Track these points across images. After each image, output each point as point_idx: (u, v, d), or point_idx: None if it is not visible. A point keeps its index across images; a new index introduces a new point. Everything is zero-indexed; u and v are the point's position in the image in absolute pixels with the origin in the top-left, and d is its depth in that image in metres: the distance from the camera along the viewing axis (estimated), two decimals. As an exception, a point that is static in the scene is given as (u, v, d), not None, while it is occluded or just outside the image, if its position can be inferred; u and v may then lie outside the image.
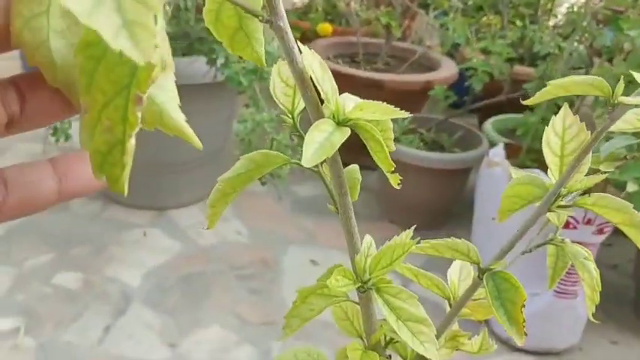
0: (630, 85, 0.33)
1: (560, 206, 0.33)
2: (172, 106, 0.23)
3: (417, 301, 0.33)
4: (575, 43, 1.80)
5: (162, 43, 0.21)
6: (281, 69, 0.33)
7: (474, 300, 0.38)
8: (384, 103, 0.29)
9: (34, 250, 1.70)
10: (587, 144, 0.31)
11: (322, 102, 0.31)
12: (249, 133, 1.33)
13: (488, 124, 1.89)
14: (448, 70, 2.26)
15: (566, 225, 1.31)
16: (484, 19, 2.37)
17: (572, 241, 0.37)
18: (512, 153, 1.61)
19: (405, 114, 0.28)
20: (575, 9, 1.92)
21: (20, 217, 0.26)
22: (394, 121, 1.65)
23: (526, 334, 0.33)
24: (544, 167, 0.36)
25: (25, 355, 1.38)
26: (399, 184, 0.32)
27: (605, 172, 0.34)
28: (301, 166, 0.31)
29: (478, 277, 0.36)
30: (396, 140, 1.87)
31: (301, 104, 0.34)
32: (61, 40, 0.24)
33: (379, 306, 0.34)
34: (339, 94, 0.31)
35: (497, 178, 1.51)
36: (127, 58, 0.21)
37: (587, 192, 0.34)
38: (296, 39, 0.29)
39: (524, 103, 0.33)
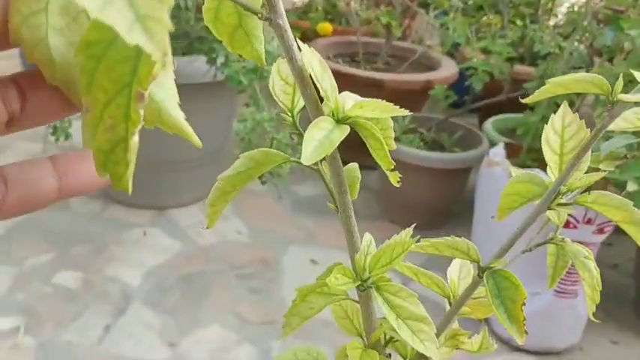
0: (630, 85, 0.33)
1: (560, 204, 0.33)
2: (172, 104, 0.23)
3: (416, 300, 0.33)
4: (576, 43, 1.80)
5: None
6: (280, 67, 0.33)
7: (474, 298, 0.38)
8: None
9: (34, 250, 1.70)
10: (586, 142, 0.31)
11: (322, 100, 0.31)
12: (249, 133, 1.33)
13: (489, 124, 1.89)
14: (448, 69, 2.26)
15: (567, 224, 1.31)
16: (484, 18, 2.37)
17: (573, 241, 0.37)
18: (512, 152, 1.61)
19: (405, 112, 0.28)
20: (576, 8, 1.92)
21: (20, 214, 0.26)
22: (394, 120, 1.65)
23: (526, 333, 0.33)
24: (544, 167, 0.36)
25: (25, 355, 1.38)
26: (398, 182, 0.32)
27: (605, 171, 0.34)
28: (301, 164, 0.31)
29: (478, 275, 0.35)
30: (396, 140, 1.85)
31: (301, 102, 0.34)
32: (60, 38, 0.24)
33: (379, 304, 0.34)
34: (340, 94, 0.31)
35: (498, 177, 1.51)
36: (127, 57, 0.21)
37: (587, 190, 0.34)
38: (296, 38, 0.29)
39: (524, 101, 0.33)
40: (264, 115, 1.34)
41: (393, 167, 0.31)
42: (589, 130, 0.33)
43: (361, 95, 0.31)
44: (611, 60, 1.69)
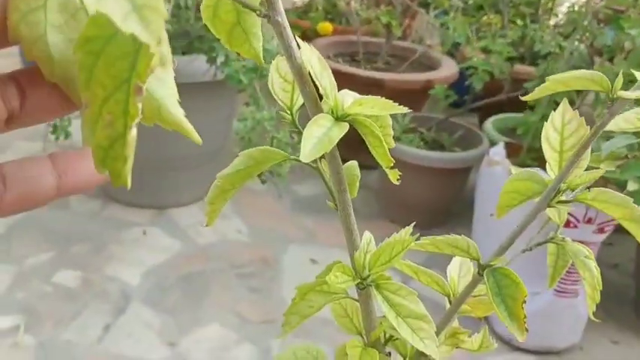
0: (631, 85, 0.33)
1: (560, 201, 0.33)
2: (171, 101, 0.23)
3: (416, 298, 0.33)
4: (576, 42, 1.80)
5: (162, 41, 0.21)
6: (279, 64, 0.33)
7: (474, 297, 0.38)
8: (383, 101, 0.29)
9: (34, 249, 1.70)
10: (586, 139, 0.31)
11: (321, 98, 0.30)
12: (250, 132, 1.33)
13: (489, 123, 1.89)
14: (448, 69, 2.26)
15: (567, 224, 1.31)
16: (484, 18, 2.37)
17: (573, 240, 0.37)
18: (512, 152, 1.61)
19: (404, 109, 0.28)
20: (576, 8, 1.92)
21: (19, 212, 0.26)
22: (395, 120, 1.64)
23: (527, 331, 0.33)
24: (545, 166, 0.36)
25: (24, 354, 1.38)
26: (397, 179, 0.32)
27: (605, 169, 0.34)
28: (300, 162, 0.31)
29: (478, 273, 0.35)
30: (397, 139, 1.86)
31: (300, 100, 0.33)
32: (59, 35, 0.24)
33: (378, 302, 0.34)
34: (339, 92, 0.31)
35: (498, 177, 1.51)
36: (126, 52, 0.21)
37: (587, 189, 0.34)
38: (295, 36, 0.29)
39: (524, 98, 0.33)
40: (265, 114, 1.34)
41: (392, 165, 0.30)
42: (589, 127, 0.32)
43: (361, 95, 0.31)
44: (611, 59, 1.69)
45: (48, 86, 0.25)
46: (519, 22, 2.34)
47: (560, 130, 0.33)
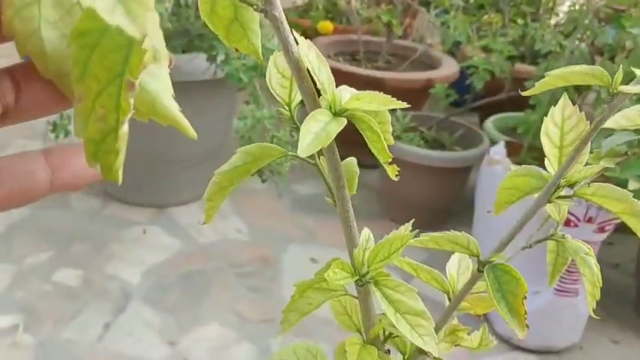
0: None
1: (559, 197, 0.33)
2: (166, 95, 0.23)
3: (415, 294, 0.33)
4: (577, 42, 1.80)
5: (155, 34, 0.21)
6: (277, 60, 0.33)
7: (473, 293, 0.38)
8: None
9: (34, 247, 1.70)
10: (586, 134, 0.31)
11: (319, 93, 0.30)
12: (250, 130, 1.32)
13: (489, 123, 1.89)
14: (449, 68, 2.26)
15: (567, 223, 1.31)
16: (485, 17, 2.36)
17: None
18: (513, 151, 1.61)
19: (402, 104, 0.28)
20: (577, 7, 1.92)
21: (12, 207, 0.26)
22: (395, 119, 1.64)
23: (527, 327, 0.32)
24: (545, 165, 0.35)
25: (24, 353, 1.38)
26: (396, 175, 0.32)
27: (605, 165, 0.34)
28: (298, 157, 0.31)
29: (478, 270, 0.35)
30: (397, 138, 1.87)
31: (298, 96, 0.33)
32: (53, 31, 0.24)
33: (377, 299, 0.34)
34: (337, 88, 0.31)
35: (498, 176, 1.51)
36: (120, 45, 0.21)
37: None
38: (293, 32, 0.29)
39: (524, 94, 0.33)
40: (265, 112, 1.34)
41: (390, 160, 0.30)
42: (589, 122, 0.32)
43: (362, 94, 0.31)
44: (612, 58, 1.68)
45: (43, 81, 0.25)
46: (520, 21, 2.34)
47: (560, 125, 0.33)
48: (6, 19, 0.24)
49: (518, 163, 1.60)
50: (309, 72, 0.29)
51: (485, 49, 2.08)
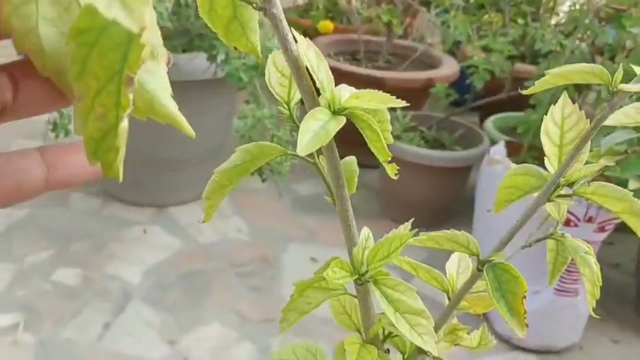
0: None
1: (559, 195, 0.32)
2: (164, 94, 0.23)
3: (415, 294, 0.33)
4: (577, 41, 1.79)
5: (152, 31, 0.21)
6: (276, 58, 0.33)
7: (473, 293, 0.38)
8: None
9: (34, 247, 1.70)
10: (586, 133, 0.31)
11: (318, 92, 0.30)
12: (250, 130, 1.32)
13: (490, 122, 1.88)
14: (449, 67, 2.26)
15: (567, 222, 1.31)
16: (485, 16, 2.36)
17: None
18: (513, 151, 1.61)
19: (401, 102, 0.28)
20: (578, 6, 1.92)
21: (7, 205, 0.26)
22: (395, 118, 1.63)
23: (527, 326, 0.32)
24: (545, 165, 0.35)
25: (24, 352, 1.38)
26: (396, 174, 0.32)
27: (604, 163, 0.34)
28: (297, 156, 0.31)
29: (477, 269, 0.35)
30: (397, 138, 1.87)
31: (297, 95, 0.33)
32: (51, 29, 0.24)
33: (377, 298, 0.34)
34: (336, 86, 0.31)
35: (498, 175, 1.51)
36: (119, 43, 0.21)
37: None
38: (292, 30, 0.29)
39: (523, 92, 0.33)
40: (265, 112, 1.34)
41: (390, 159, 0.30)
42: (589, 121, 0.32)
43: (362, 94, 0.31)
44: (612, 58, 1.68)
45: (41, 79, 0.25)
46: (520, 20, 2.34)
47: (559, 123, 0.33)
48: (3, 16, 0.24)
49: (519, 163, 1.60)
50: (308, 70, 0.29)
51: (486, 49, 2.08)
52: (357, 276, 0.34)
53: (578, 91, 1.67)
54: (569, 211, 0.35)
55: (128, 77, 0.20)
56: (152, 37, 0.20)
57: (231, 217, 1.90)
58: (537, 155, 1.64)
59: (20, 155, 0.26)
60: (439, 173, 1.85)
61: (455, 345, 0.41)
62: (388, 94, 0.29)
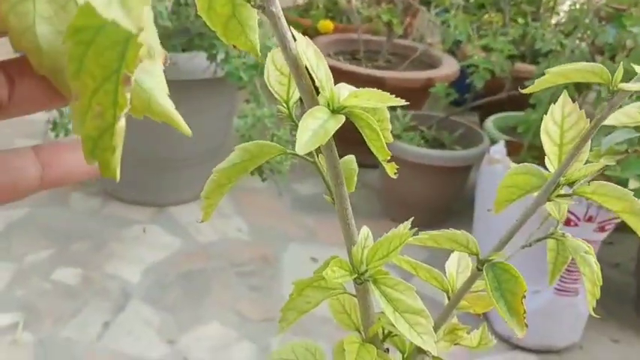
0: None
1: (559, 195, 0.32)
2: (160, 93, 0.23)
3: (414, 293, 0.33)
4: (577, 41, 1.79)
5: (149, 30, 0.20)
6: (275, 57, 0.33)
7: (473, 292, 0.37)
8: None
9: (33, 246, 1.70)
10: (586, 132, 0.31)
11: (317, 91, 0.30)
12: (250, 129, 1.32)
13: (490, 122, 1.88)
14: (449, 67, 2.26)
15: (567, 222, 1.31)
16: (486, 16, 2.36)
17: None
18: (513, 150, 1.61)
19: (400, 101, 0.28)
20: (578, 6, 1.92)
21: (2, 203, 0.26)
22: (395, 118, 1.63)
23: (526, 326, 0.32)
24: (546, 165, 0.35)
25: (23, 351, 1.38)
26: (395, 173, 0.32)
27: (605, 163, 0.33)
28: (297, 155, 0.30)
29: (477, 268, 0.35)
30: (397, 137, 1.86)
31: (297, 94, 0.33)
32: (48, 27, 0.24)
33: (376, 297, 0.34)
34: (336, 85, 0.30)
35: (499, 175, 1.50)
36: (116, 42, 0.21)
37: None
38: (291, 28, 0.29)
39: (523, 91, 0.32)
40: (265, 111, 1.34)
41: (389, 158, 0.30)
42: (589, 120, 0.32)
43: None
44: (613, 58, 1.68)
45: (37, 77, 0.25)
46: (520, 20, 2.34)
47: (559, 123, 0.33)
48: (1, 14, 0.24)
49: (519, 163, 1.60)
50: (307, 69, 0.29)
51: (486, 49, 2.08)
52: (356, 275, 0.34)
53: (578, 90, 1.67)
54: (569, 211, 0.35)
55: (125, 76, 0.20)
56: (149, 36, 0.20)
57: (231, 217, 1.90)
58: (537, 155, 1.63)
59: (15, 154, 0.26)
60: (439, 173, 1.85)
61: (455, 344, 0.41)
62: (387, 93, 0.29)
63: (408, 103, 0.29)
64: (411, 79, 2.16)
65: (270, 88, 0.33)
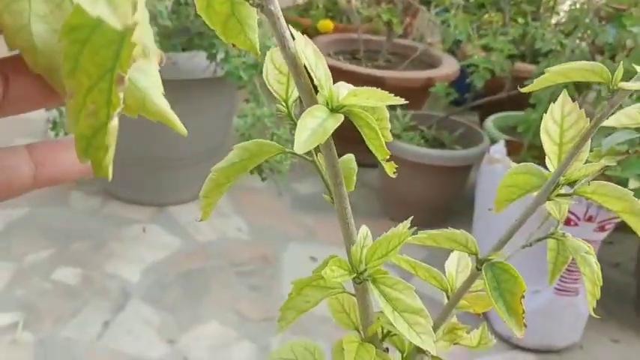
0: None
1: (559, 195, 0.32)
2: (155, 92, 0.23)
3: (413, 292, 0.33)
4: (578, 40, 1.79)
5: (144, 30, 0.20)
6: (274, 55, 0.32)
7: (472, 292, 0.37)
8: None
9: (33, 246, 1.70)
10: (586, 131, 0.31)
11: (316, 90, 0.30)
12: (250, 128, 1.32)
13: (490, 122, 1.88)
14: (449, 67, 2.26)
15: (567, 222, 1.31)
16: (486, 16, 2.36)
17: (573, 238, 0.37)
18: (513, 150, 1.61)
19: (399, 100, 0.28)
20: (578, 6, 1.91)
21: None
22: (395, 118, 1.63)
23: (525, 326, 0.32)
24: (546, 164, 0.35)
25: (23, 350, 1.38)
26: (394, 172, 0.31)
27: (605, 163, 0.33)
28: (295, 154, 0.30)
29: (476, 268, 0.35)
30: (397, 137, 1.86)
31: (296, 92, 0.33)
32: (43, 25, 0.24)
33: (375, 297, 0.33)
34: (335, 84, 0.30)
35: (499, 175, 1.50)
36: (111, 41, 0.21)
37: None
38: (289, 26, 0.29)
39: (523, 90, 0.32)
40: (265, 110, 1.34)
41: (388, 157, 0.30)
42: (589, 119, 0.32)
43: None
44: (613, 57, 1.68)
45: (32, 76, 0.25)
46: (520, 19, 2.34)
47: (559, 122, 0.33)
48: None
49: (519, 162, 1.59)
50: (305, 68, 0.29)
51: (486, 48, 2.08)
52: (355, 274, 0.34)
53: (578, 90, 1.67)
54: (569, 210, 0.35)
55: (119, 76, 0.20)
56: (144, 35, 0.20)
57: (230, 216, 1.90)
58: (537, 154, 1.63)
59: (9, 152, 0.26)
60: (439, 172, 1.85)
61: (454, 344, 0.41)
62: (386, 92, 0.28)
63: (407, 102, 0.28)
64: (410, 78, 2.16)
65: (269, 86, 0.33)
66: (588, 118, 0.32)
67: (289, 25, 0.28)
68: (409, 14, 2.65)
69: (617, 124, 0.32)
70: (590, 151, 0.35)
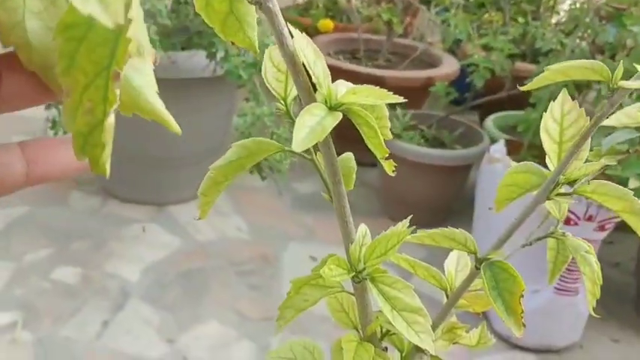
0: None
1: (559, 194, 0.32)
2: (149, 90, 0.23)
3: (412, 291, 0.33)
4: (578, 40, 1.79)
5: (138, 29, 0.20)
6: (272, 53, 0.32)
7: (471, 291, 0.37)
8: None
9: (33, 245, 1.70)
10: (586, 130, 0.31)
11: (315, 88, 0.30)
12: (249, 127, 1.32)
13: (490, 121, 1.88)
14: (449, 66, 2.26)
15: (567, 221, 1.31)
16: (486, 15, 2.36)
17: (573, 238, 0.37)
18: (513, 149, 1.60)
19: (399, 98, 0.28)
20: (578, 5, 1.91)
21: None
22: (395, 117, 1.62)
23: (524, 326, 0.32)
24: (546, 164, 0.35)
25: (23, 350, 1.38)
26: (393, 171, 0.31)
27: (605, 162, 0.33)
28: (294, 152, 0.30)
29: (475, 267, 0.35)
30: (397, 136, 1.86)
31: (294, 90, 0.33)
32: (38, 22, 0.24)
33: (374, 296, 0.33)
34: (333, 82, 0.30)
35: (499, 174, 1.50)
36: (107, 39, 0.21)
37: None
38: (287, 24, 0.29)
39: (522, 89, 0.32)
40: (264, 109, 1.34)
41: (387, 156, 0.30)
42: (589, 118, 0.32)
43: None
44: (613, 57, 1.68)
45: (26, 73, 0.25)
46: (521, 19, 2.34)
47: (559, 120, 0.33)
48: None
49: (519, 162, 1.59)
50: (304, 66, 0.29)
51: (486, 48, 2.08)
52: (354, 273, 0.34)
53: (578, 89, 1.67)
54: (569, 210, 0.35)
55: (115, 73, 0.20)
56: (138, 33, 0.20)
57: (230, 216, 1.90)
58: (537, 154, 1.63)
59: (1, 149, 0.26)
60: (439, 172, 1.85)
61: (453, 343, 0.41)
62: (386, 90, 0.28)
63: (407, 101, 0.28)
64: (411, 78, 2.15)
65: (267, 84, 0.33)
66: (588, 117, 0.32)
67: (289, 24, 0.28)
68: (409, 14, 2.64)
69: (617, 124, 0.32)
70: (590, 150, 0.35)
